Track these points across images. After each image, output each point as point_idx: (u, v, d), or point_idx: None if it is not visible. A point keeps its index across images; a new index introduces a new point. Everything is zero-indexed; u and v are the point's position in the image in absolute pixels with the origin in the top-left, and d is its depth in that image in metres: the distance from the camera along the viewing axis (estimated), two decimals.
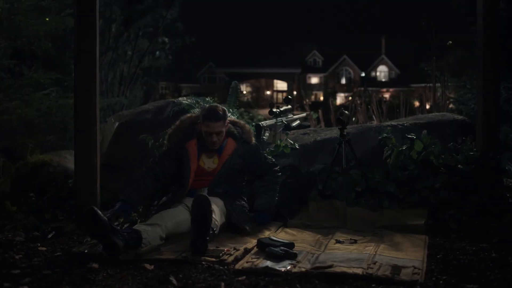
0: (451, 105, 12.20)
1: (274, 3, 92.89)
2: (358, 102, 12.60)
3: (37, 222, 5.87)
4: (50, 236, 5.46)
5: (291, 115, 6.98)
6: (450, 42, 11.56)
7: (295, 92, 57.08)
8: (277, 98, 65.98)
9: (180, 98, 7.22)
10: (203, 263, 4.37)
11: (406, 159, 6.12)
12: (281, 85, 71.60)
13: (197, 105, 6.94)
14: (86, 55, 6.08)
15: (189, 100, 7.05)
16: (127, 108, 15.04)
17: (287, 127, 6.80)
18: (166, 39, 22.22)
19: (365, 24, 79.97)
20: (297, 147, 6.41)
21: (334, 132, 6.74)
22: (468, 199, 5.83)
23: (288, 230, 5.50)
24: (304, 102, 12.77)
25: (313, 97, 65.09)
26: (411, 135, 6.37)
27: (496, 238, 5.15)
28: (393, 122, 6.97)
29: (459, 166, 6.02)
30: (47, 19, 9.07)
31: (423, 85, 13.66)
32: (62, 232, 5.63)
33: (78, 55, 6.12)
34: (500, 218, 5.64)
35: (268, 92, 70.33)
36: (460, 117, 7.13)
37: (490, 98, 6.24)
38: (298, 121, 7.18)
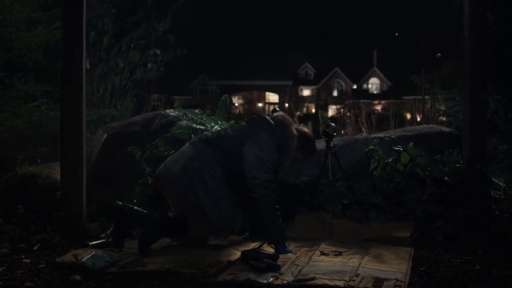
0: (443, 118, 12.22)
1: (266, 16, 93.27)
2: (348, 114, 12.64)
3: (23, 234, 5.83)
4: (35, 248, 5.44)
5: None
6: (439, 54, 11.61)
7: (286, 105, 57.18)
8: (268, 110, 66.00)
9: (168, 110, 7.22)
10: (186, 275, 4.37)
11: (392, 171, 6.12)
12: (273, 97, 71.71)
13: (184, 117, 6.94)
14: (73, 68, 6.10)
15: (176, 112, 7.05)
16: (118, 120, 15.05)
17: None
18: (158, 51, 22.26)
19: (357, 36, 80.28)
20: None
21: (321, 144, 6.71)
22: (455, 211, 5.82)
23: None
24: (294, 114, 12.83)
25: (305, 109, 65.21)
26: (398, 147, 6.37)
27: (481, 250, 5.15)
28: (380, 134, 6.98)
29: (445, 178, 6.02)
30: (39, 29, 9.09)
31: (413, 97, 13.68)
32: (49, 244, 5.60)
33: (65, 67, 6.14)
34: (487, 230, 5.61)
35: (260, 104, 70.34)
36: (447, 129, 7.13)
37: (476, 109, 6.25)
38: None
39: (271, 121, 5.51)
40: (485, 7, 6.35)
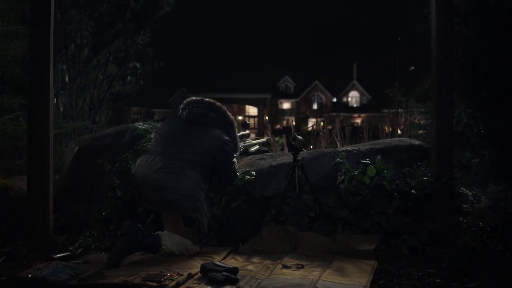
0: (421, 131, 12.25)
1: (246, 29, 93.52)
2: (329, 127, 12.69)
3: None
4: (0, 261, 5.43)
5: (249, 140, 7.00)
6: (412, 67, 11.65)
7: (266, 118, 57.34)
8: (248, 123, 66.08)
9: (137, 123, 7.25)
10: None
11: (359, 184, 6.12)
12: (253, 110, 71.76)
13: (154, 130, 6.95)
14: (41, 80, 6.12)
15: (146, 125, 7.07)
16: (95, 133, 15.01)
17: (245, 152, 6.82)
18: (138, 64, 22.20)
19: (337, 49, 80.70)
20: (253, 177, 6.35)
21: (290, 157, 6.70)
22: (421, 225, 5.83)
23: (237, 255, 5.52)
24: (267, 128, 12.90)
25: (285, 122, 65.36)
26: (365, 160, 6.39)
27: (445, 263, 5.16)
28: (349, 147, 6.98)
29: (412, 191, 6.03)
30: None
31: (387, 110, 13.72)
32: (15, 256, 5.59)
33: (34, 79, 6.15)
34: (453, 243, 5.63)
35: (240, 117, 70.38)
36: (417, 142, 7.13)
37: (443, 123, 6.26)
38: (257, 146, 7.20)
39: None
40: (451, 21, 6.39)
